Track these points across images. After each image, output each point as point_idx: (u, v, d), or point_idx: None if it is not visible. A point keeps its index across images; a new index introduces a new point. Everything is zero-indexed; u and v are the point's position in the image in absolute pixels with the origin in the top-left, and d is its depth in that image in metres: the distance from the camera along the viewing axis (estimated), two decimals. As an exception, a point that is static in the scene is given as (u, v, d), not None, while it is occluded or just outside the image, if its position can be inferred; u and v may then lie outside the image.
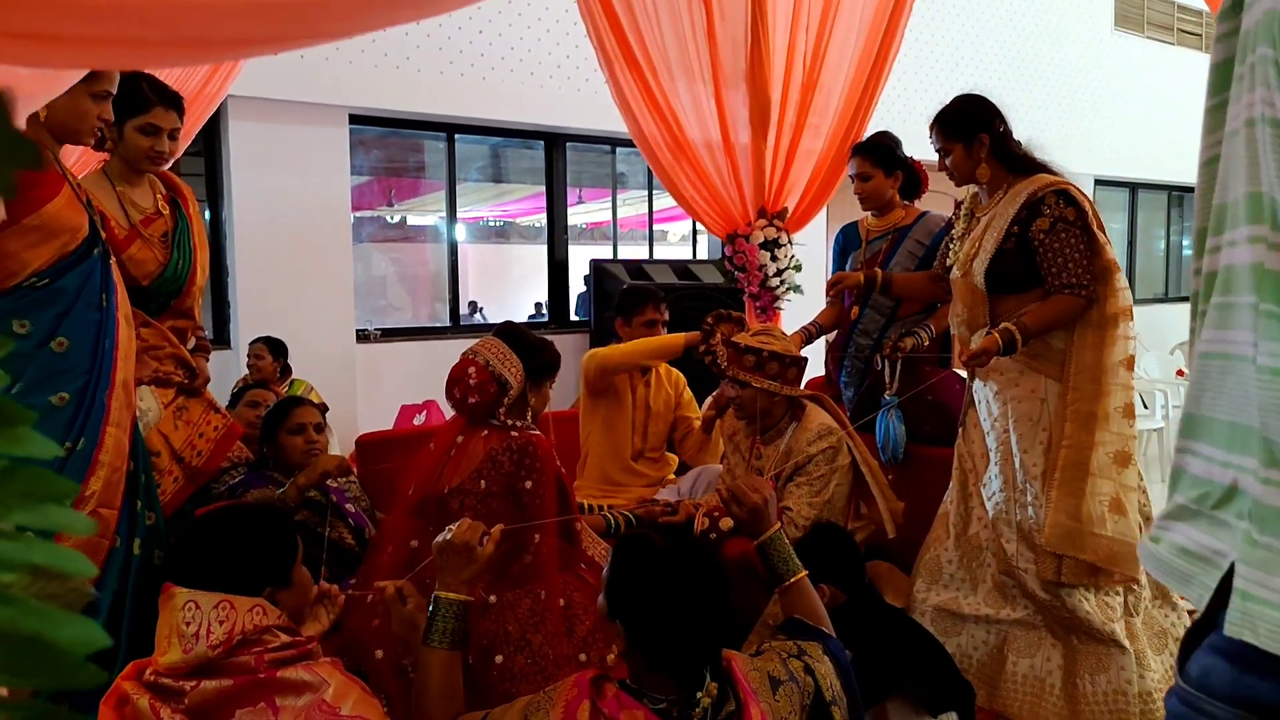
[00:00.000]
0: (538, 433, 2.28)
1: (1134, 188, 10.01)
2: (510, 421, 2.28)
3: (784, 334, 2.78)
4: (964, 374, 2.75)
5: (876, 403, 3.02)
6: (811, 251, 5.13)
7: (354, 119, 5.41)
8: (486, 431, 2.27)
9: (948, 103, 2.60)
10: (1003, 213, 2.50)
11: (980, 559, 2.60)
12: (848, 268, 3.31)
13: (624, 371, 3.16)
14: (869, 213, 3.28)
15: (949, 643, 2.59)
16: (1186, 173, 10.43)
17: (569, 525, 2.28)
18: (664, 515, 2.67)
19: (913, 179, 3.20)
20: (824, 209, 4.89)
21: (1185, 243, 10.72)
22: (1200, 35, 10.06)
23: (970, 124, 2.53)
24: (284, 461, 2.69)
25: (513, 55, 5.67)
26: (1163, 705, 2.46)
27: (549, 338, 2.44)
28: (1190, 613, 3.03)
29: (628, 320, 3.25)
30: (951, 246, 2.69)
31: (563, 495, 2.26)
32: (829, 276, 3.39)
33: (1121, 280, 2.42)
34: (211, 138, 5.09)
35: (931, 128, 2.60)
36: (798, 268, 4.63)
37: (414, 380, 5.55)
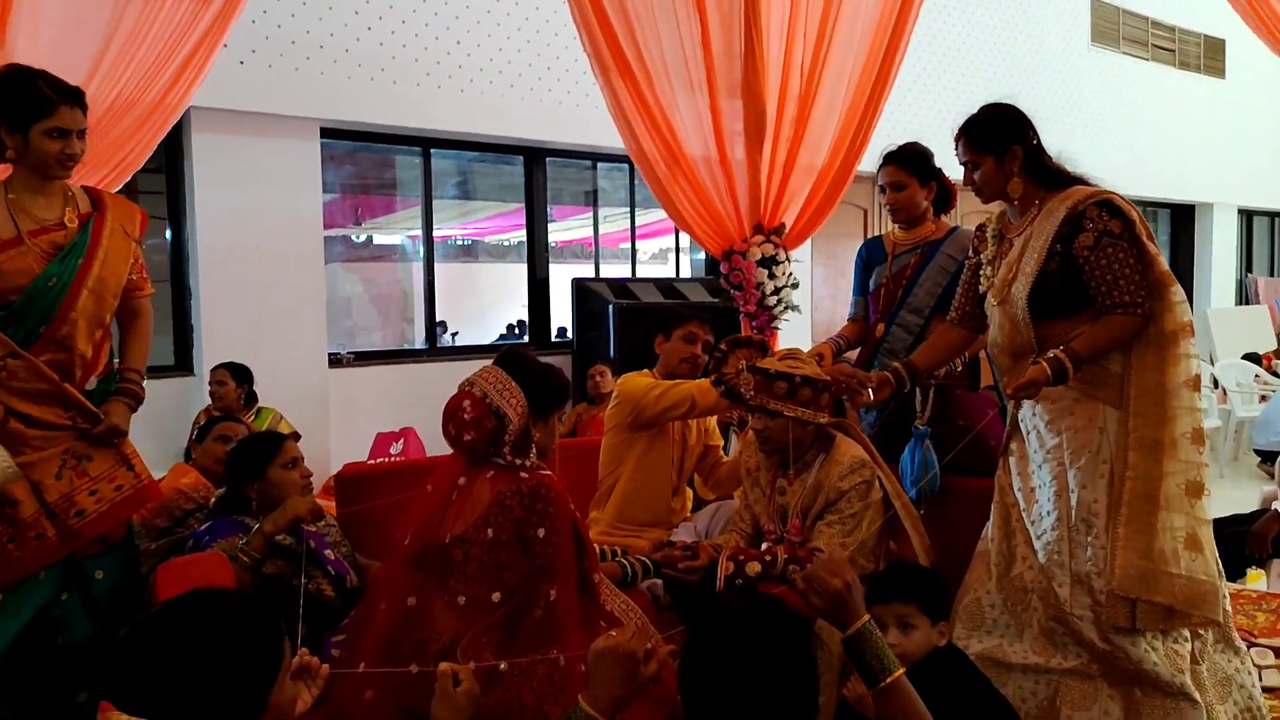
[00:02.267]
0: (549, 473, 2.04)
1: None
2: (517, 460, 2.04)
3: (810, 357, 2.56)
4: (1003, 399, 2.55)
5: (903, 429, 2.81)
6: (800, 268, 4.95)
7: (325, 132, 5.15)
8: (492, 472, 2.03)
9: (975, 112, 2.38)
10: (1040, 230, 2.29)
11: (1025, 602, 2.39)
12: (871, 284, 3.10)
13: (667, 421, 2.89)
14: (895, 226, 3.09)
15: (993, 693, 2.37)
16: (1162, 187, 10.53)
17: (587, 577, 2.04)
18: (684, 560, 2.43)
19: (945, 191, 3.02)
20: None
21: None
22: (1174, 51, 10.11)
23: (1003, 135, 2.33)
24: (275, 501, 2.42)
25: (492, 67, 5.45)
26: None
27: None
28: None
29: (668, 334, 3.03)
30: (982, 273, 2.47)
31: (579, 543, 2.02)
32: (855, 293, 3.20)
33: (1178, 294, 2.23)
34: (173, 152, 4.80)
35: (958, 139, 2.39)
36: (795, 285, 4.45)
37: (390, 406, 5.27)
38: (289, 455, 2.50)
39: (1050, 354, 2.20)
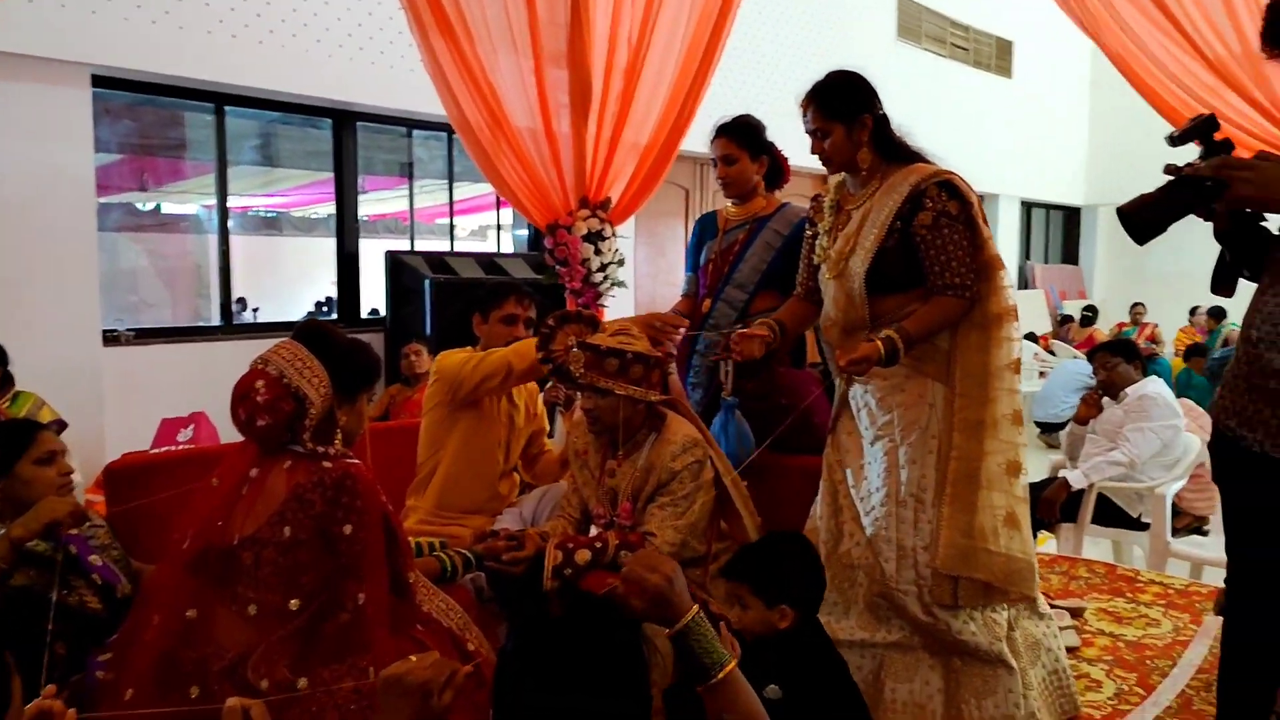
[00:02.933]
0: (356, 462, 1.82)
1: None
2: (319, 448, 1.81)
3: (642, 331, 2.45)
4: (830, 377, 2.54)
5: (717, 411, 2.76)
6: (623, 245, 4.84)
7: (99, 81, 4.55)
8: (289, 462, 1.79)
9: (824, 77, 2.34)
10: (881, 205, 2.28)
11: (852, 578, 2.39)
12: (703, 259, 3.04)
13: (487, 393, 2.68)
14: (729, 201, 3.02)
15: (820, 671, 2.36)
16: (966, 176, 11.21)
17: (400, 576, 1.84)
18: (509, 550, 2.26)
19: (776, 166, 2.98)
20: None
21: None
22: (969, 50, 10.76)
23: (853, 102, 2.30)
24: (24, 502, 2.06)
25: (296, 18, 4.99)
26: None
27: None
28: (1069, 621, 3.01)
29: (485, 316, 2.81)
30: (818, 244, 2.44)
31: (391, 539, 1.82)
32: (688, 269, 3.13)
33: (1005, 278, 2.27)
34: (-94, 94, 4.10)
35: (806, 105, 2.33)
36: (621, 262, 4.35)
37: (178, 389, 4.75)
38: (44, 448, 2.15)
39: (884, 334, 2.19)
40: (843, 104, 2.28)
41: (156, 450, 4.13)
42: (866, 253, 2.26)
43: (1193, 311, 11.08)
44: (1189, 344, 8.56)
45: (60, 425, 3.92)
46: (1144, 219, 1.77)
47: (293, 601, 1.68)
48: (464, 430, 2.69)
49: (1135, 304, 11.49)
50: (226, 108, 5.20)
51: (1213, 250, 1.88)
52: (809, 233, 2.53)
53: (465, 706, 1.82)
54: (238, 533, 1.73)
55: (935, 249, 2.21)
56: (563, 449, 2.82)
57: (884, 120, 2.32)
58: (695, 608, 1.46)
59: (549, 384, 3.31)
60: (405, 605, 1.85)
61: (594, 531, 2.49)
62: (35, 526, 1.93)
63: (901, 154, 2.33)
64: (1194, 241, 1.85)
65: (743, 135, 2.90)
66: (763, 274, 2.92)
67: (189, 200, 8.35)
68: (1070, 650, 2.86)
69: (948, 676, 2.29)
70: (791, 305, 2.61)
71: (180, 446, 4.27)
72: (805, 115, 2.33)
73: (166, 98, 5.09)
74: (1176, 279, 13.10)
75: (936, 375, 2.28)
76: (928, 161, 2.33)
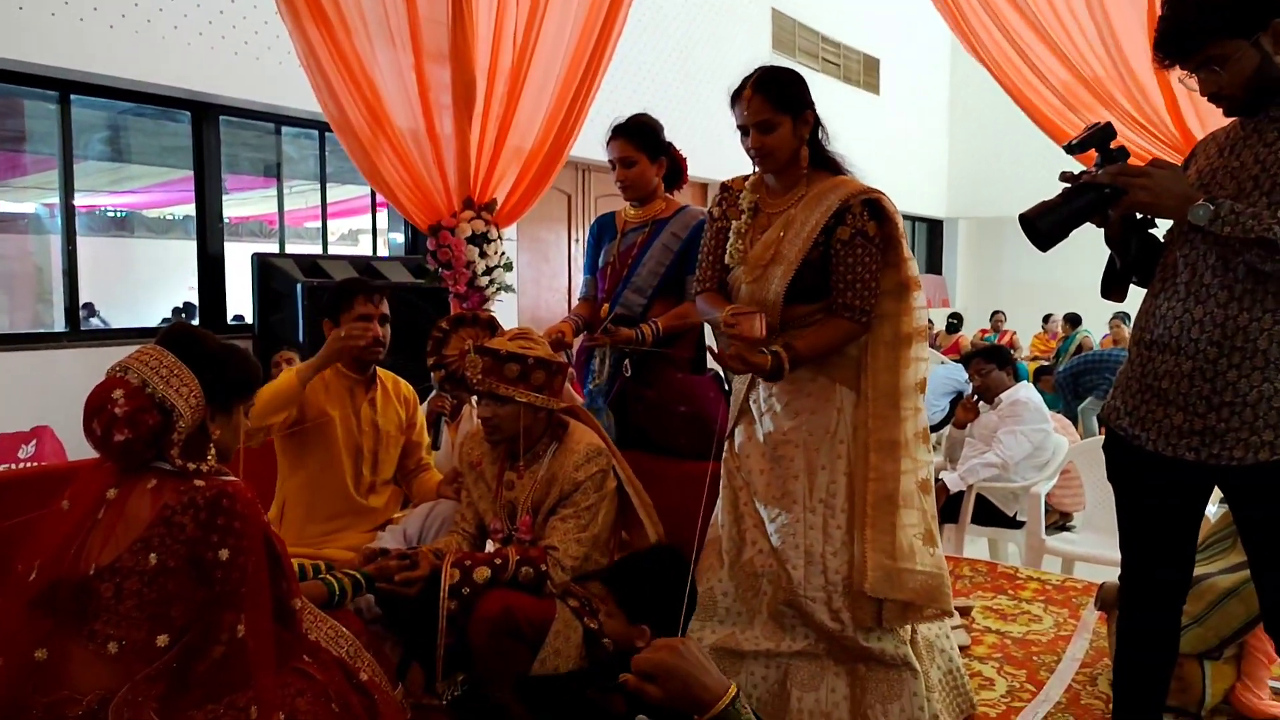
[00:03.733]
0: (233, 479, 1.66)
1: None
2: (190, 465, 1.63)
3: (542, 337, 2.34)
4: (725, 380, 2.50)
5: (625, 409, 2.70)
6: (507, 248, 4.71)
7: (-78, 63, 4.12)
8: (154, 482, 1.61)
9: (765, 68, 2.24)
10: (805, 216, 2.21)
11: (756, 587, 2.35)
12: (600, 261, 2.96)
13: (268, 425, 2.48)
14: (629, 203, 2.95)
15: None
16: None
17: (284, 603, 1.68)
18: (401, 570, 2.12)
19: (675, 167, 2.92)
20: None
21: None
22: (839, 65, 11.08)
23: (801, 97, 2.21)
24: None
25: (151, 2, 4.64)
26: (950, 726, 2.39)
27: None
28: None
29: (336, 320, 2.62)
30: (730, 245, 2.34)
31: (274, 562, 1.66)
32: (586, 271, 3.04)
33: (919, 299, 2.26)
34: None
35: (747, 96, 2.19)
36: (509, 266, 4.22)
37: (17, 401, 4.33)
38: None
39: (773, 348, 2.15)
40: (791, 96, 2.19)
41: (-7, 470, 3.75)
42: (790, 265, 2.19)
43: (1046, 319, 11.76)
44: (1038, 362, 9.03)
45: (-125, 444, 3.50)
46: (1047, 225, 1.80)
47: (160, 637, 1.51)
48: (309, 447, 2.53)
49: (995, 312, 12.11)
50: (72, 96, 4.79)
51: (1065, 261, 1.95)
52: (715, 225, 2.40)
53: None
54: (94, 562, 1.54)
55: (845, 266, 2.19)
56: (449, 470, 2.67)
57: (818, 122, 2.27)
58: (733, 686, 1.29)
59: (433, 393, 3.16)
60: (290, 634, 1.69)
61: (491, 547, 2.37)
62: None
63: (829, 163, 2.29)
64: (1049, 253, 1.89)
65: (641, 137, 2.83)
66: (660, 277, 2.86)
67: (27, 198, 7.71)
68: (962, 649, 2.91)
69: (853, 683, 2.27)
70: (711, 299, 2.40)
71: (21, 464, 3.89)
72: (745, 107, 2.19)
73: (4, 84, 4.65)
74: (1031, 288, 13.96)
75: (844, 380, 2.27)
76: (849, 173, 2.29)
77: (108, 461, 1.64)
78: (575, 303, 3.07)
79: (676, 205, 2.93)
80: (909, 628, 2.29)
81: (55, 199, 5.04)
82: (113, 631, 1.50)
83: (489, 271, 4.10)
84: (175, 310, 8.29)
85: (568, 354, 3.83)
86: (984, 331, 11.83)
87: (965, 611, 3.26)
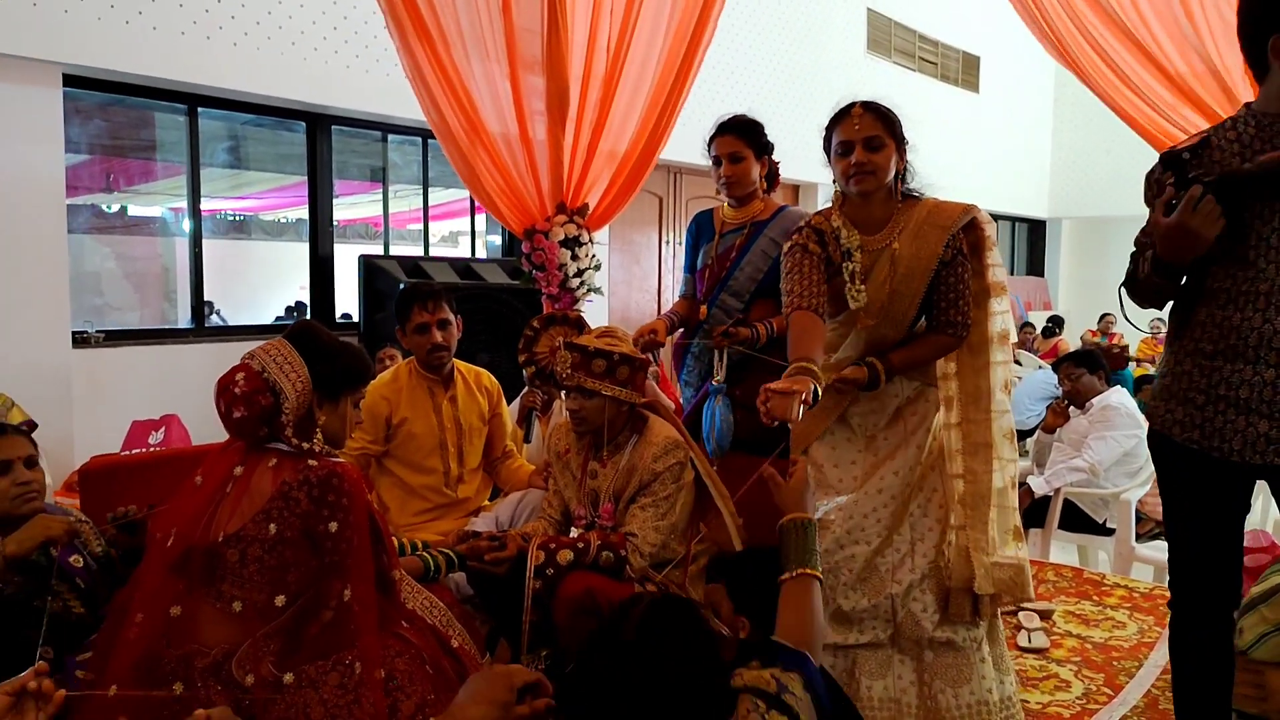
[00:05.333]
0: (343, 461, 1.83)
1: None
2: (304, 445, 1.81)
3: (625, 334, 2.47)
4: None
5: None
6: (598, 252, 4.86)
7: (70, 80, 4.51)
8: (274, 461, 1.79)
9: (864, 100, 2.31)
10: (914, 252, 2.22)
11: (833, 584, 2.42)
12: (699, 261, 3.01)
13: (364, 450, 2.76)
14: (727, 201, 2.98)
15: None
16: (922, 190, 11.37)
17: (385, 574, 1.85)
18: (491, 550, 2.27)
19: (773, 169, 2.97)
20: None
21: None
22: (936, 64, 10.92)
23: (901, 129, 2.29)
24: None
25: (271, 20, 4.97)
26: (1020, 709, 2.41)
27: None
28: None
29: (403, 329, 2.80)
30: (850, 290, 2.25)
31: (376, 537, 1.83)
32: (686, 270, 3.10)
33: (1002, 304, 2.32)
34: None
35: (857, 113, 2.25)
36: (598, 267, 4.37)
37: (148, 392, 4.71)
38: None
39: (869, 360, 2.24)
40: (897, 127, 2.28)
41: (129, 452, 4.09)
42: (913, 301, 2.23)
43: (1151, 323, 11.30)
44: (1145, 368, 8.69)
45: (30, 425, 3.86)
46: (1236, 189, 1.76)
47: (278, 598, 1.69)
48: (395, 453, 2.76)
49: (1104, 314, 11.65)
50: (199, 109, 5.16)
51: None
52: (814, 253, 2.28)
53: (445, 703, 1.84)
54: (222, 530, 1.73)
55: (947, 286, 2.24)
56: (541, 462, 2.82)
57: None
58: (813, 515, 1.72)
59: (525, 389, 3.32)
60: (390, 602, 1.86)
61: (575, 533, 2.51)
62: (30, 545, 1.89)
63: (909, 193, 2.33)
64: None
65: (749, 134, 2.87)
66: (758, 283, 2.87)
67: (155, 202, 8.25)
68: (1039, 651, 2.92)
69: (920, 669, 2.33)
70: (806, 341, 2.23)
71: (151, 449, 4.22)
72: (856, 123, 2.23)
73: (138, 98, 5.05)
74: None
75: (931, 382, 2.36)
76: (921, 195, 2.33)
77: (235, 443, 1.84)
78: (675, 299, 3.11)
79: (775, 206, 2.94)
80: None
81: (180, 203, 5.43)
82: (237, 592, 1.69)
83: (580, 274, 4.25)
84: (288, 309, 8.74)
85: (656, 354, 3.95)
86: (1093, 334, 11.45)
87: (1046, 615, 3.25)
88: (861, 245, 2.27)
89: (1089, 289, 14.23)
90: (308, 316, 6.15)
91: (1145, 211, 1.90)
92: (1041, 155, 13.64)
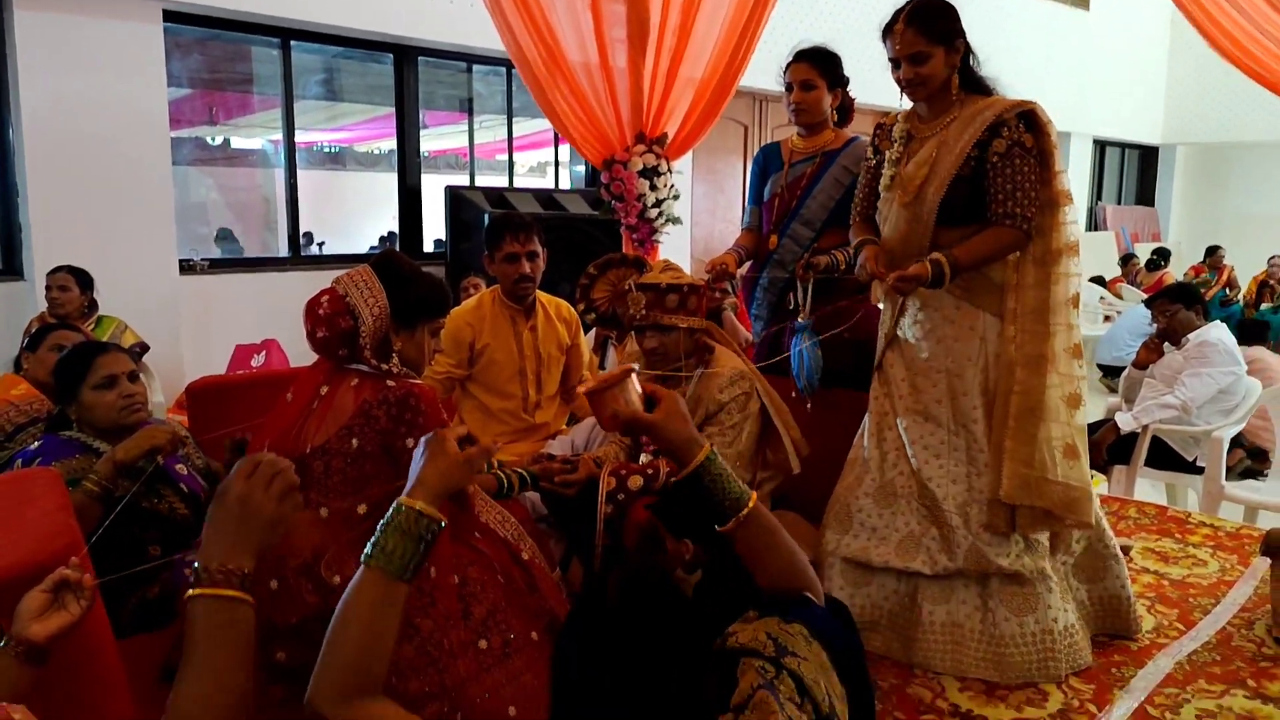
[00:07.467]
0: (420, 382, 1.93)
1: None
2: (383, 366, 1.92)
3: (707, 266, 2.51)
4: (883, 309, 2.56)
5: (785, 337, 2.81)
6: (680, 182, 4.86)
7: (169, 16, 4.68)
8: (356, 380, 1.90)
9: (913, 2, 2.27)
10: (958, 135, 2.27)
11: (894, 507, 2.45)
12: (766, 192, 3.02)
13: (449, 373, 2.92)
14: (796, 130, 2.97)
15: (858, 594, 2.44)
16: (1082, 126, 10.68)
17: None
18: (562, 473, 2.37)
19: (846, 103, 2.94)
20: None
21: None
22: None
23: (952, 25, 2.27)
24: (95, 425, 2.19)
25: (358, -47, 5.05)
26: (1084, 637, 2.41)
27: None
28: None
29: (491, 256, 2.89)
30: (885, 170, 2.41)
31: (451, 453, 1.93)
32: (751, 202, 3.10)
33: (1070, 214, 2.26)
34: (-8, 30, 4.28)
35: (899, 30, 2.26)
36: (677, 197, 4.39)
37: (250, 317, 4.97)
38: (101, 374, 2.18)
39: (933, 256, 2.22)
40: (944, 26, 2.25)
41: (232, 373, 4.34)
42: (941, 180, 2.26)
43: (1271, 259, 10.65)
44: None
45: (143, 348, 4.14)
46: None
47: (360, 507, 1.81)
48: (477, 378, 2.87)
49: (1214, 247, 11.03)
50: (292, 42, 5.30)
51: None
52: (869, 162, 2.51)
53: (515, 609, 1.95)
54: (310, 443, 1.85)
55: (1003, 178, 2.21)
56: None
57: (969, 48, 2.31)
58: (708, 445, 1.42)
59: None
60: (464, 515, 1.96)
61: (645, 459, 2.58)
62: (136, 453, 2.05)
63: (980, 85, 2.33)
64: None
65: (824, 62, 2.84)
66: (831, 211, 2.88)
67: (255, 134, 8.53)
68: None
69: (984, 595, 2.34)
70: (860, 229, 2.55)
71: (253, 371, 4.47)
72: (897, 40, 2.26)
73: (234, 32, 5.21)
74: (1257, 222, 12.66)
75: (989, 308, 2.31)
76: (1002, 94, 2.31)
77: (322, 363, 1.96)
78: (740, 234, 3.11)
79: (846, 137, 2.93)
80: (1045, 544, 2.33)
81: (278, 135, 5.62)
82: (323, 500, 1.82)
83: (658, 204, 4.28)
84: (381, 239, 8.99)
85: (733, 284, 3.94)
86: (1197, 270, 10.87)
87: (1125, 551, 3.21)
88: (910, 133, 2.38)
89: (1203, 221, 13.49)
90: (397, 246, 6.33)
91: (1270, 138, 1.81)
92: (1156, 77, 12.84)
